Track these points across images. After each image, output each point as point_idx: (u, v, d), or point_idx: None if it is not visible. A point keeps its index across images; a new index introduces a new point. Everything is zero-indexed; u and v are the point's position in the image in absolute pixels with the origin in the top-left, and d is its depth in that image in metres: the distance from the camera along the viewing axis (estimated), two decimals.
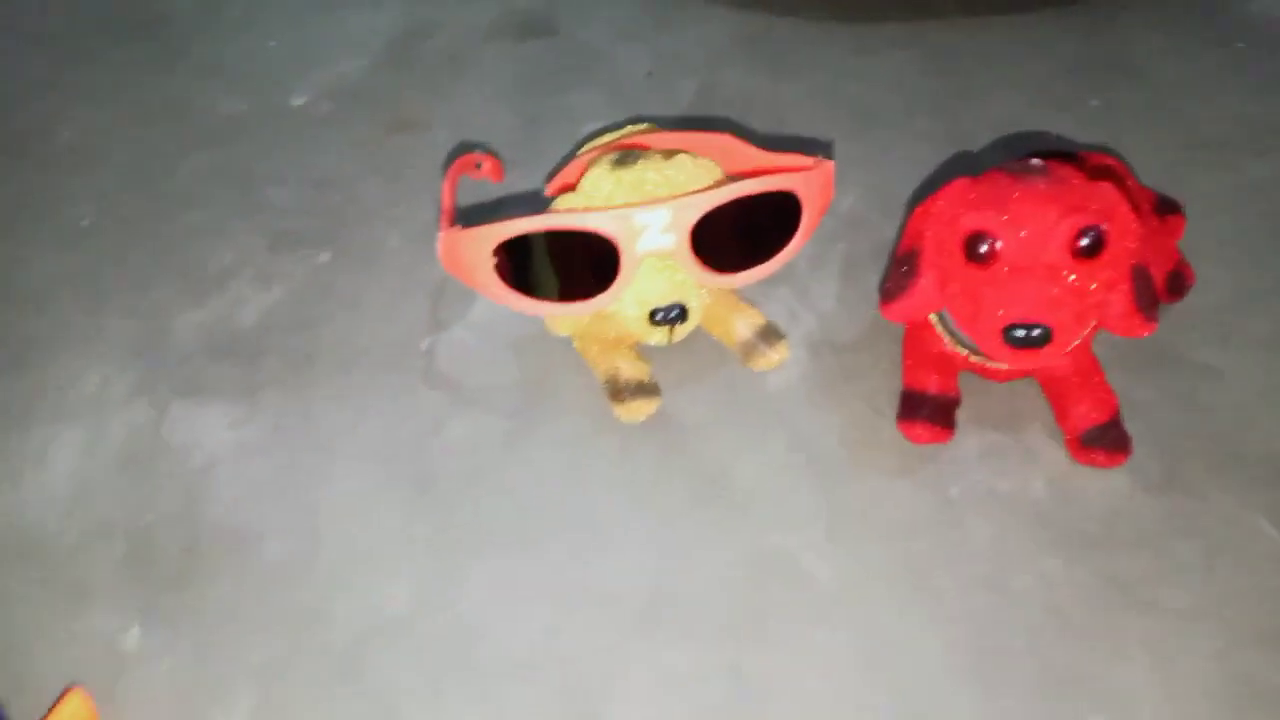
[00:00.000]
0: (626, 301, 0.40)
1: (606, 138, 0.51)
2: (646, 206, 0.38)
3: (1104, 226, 0.37)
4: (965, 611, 0.39)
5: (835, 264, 0.54)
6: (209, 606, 0.41)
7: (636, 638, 0.39)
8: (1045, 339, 0.36)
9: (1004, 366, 0.43)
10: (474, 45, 0.73)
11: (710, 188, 0.40)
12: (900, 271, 0.42)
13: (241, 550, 0.43)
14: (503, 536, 0.42)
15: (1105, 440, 0.43)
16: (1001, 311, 0.37)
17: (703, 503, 0.43)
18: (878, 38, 0.72)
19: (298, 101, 0.69)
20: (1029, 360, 0.38)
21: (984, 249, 0.38)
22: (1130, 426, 0.44)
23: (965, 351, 0.43)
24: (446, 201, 0.44)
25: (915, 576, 0.40)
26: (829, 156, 0.42)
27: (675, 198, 0.39)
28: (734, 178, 0.43)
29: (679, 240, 0.38)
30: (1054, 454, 0.44)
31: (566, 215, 0.38)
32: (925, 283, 0.41)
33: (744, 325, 0.48)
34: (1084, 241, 0.37)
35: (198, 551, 0.43)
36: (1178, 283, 0.48)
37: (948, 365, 0.44)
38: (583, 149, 0.52)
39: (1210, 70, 0.66)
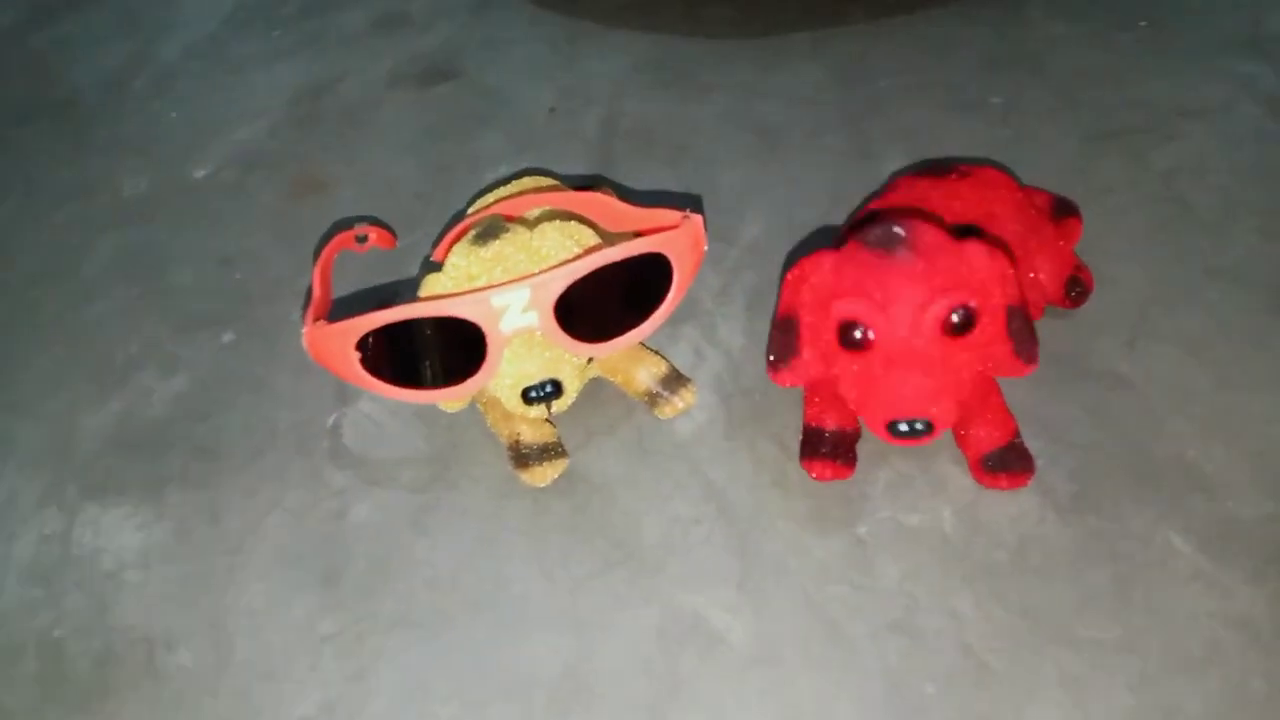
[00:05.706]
0: (500, 382, 0.39)
1: (497, 193, 0.51)
2: (504, 287, 0.37)
3: (974, 304, 0.37)
4: (878, 662, 0.38)
5: (742, 296, 0.53)
6: None
7: None
8: (928, 430, 0.37)
9: None
10: (376, 96, 0.72)
11: (577, 257, 0.39)
12: (781, 340, 0.42)
13: (153, 661, 0.42)
14: (411, 625, 0.42)
15: (1006, 463, 0.42)
16: (884, 407, 0.38)
17: (614, 566, 0.43)
18: (785, 51, 0.71)
19: (200, 173, 0.68)
20: (914, 445, 0.39)
21: (858, 336, 0.38)
22: (1039, 445, 0.44)
23: None
24: (317, 290, 0.43)
25: (826, 628, 0.39)
26: (698, 210, 0.41)
27: (536, 274, 0.38)
28: (609, 238, 0.42)
29: (543, 317, 0.38)
30: (961, 481, 0.43)
31: (425, 303, 0.37)
32: (808, 355, 0.41)
33: (646, 375, 0.47)
34: (955, 320, 0.37)
35: (109, 664, 0.42)
36: (1077, 288, 0.47)
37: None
38: (472, 207, 0.51)
39: (1114, 55, 0.66)
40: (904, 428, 0.37)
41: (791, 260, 0.54)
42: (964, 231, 0.43)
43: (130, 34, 0.84)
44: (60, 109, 0.77)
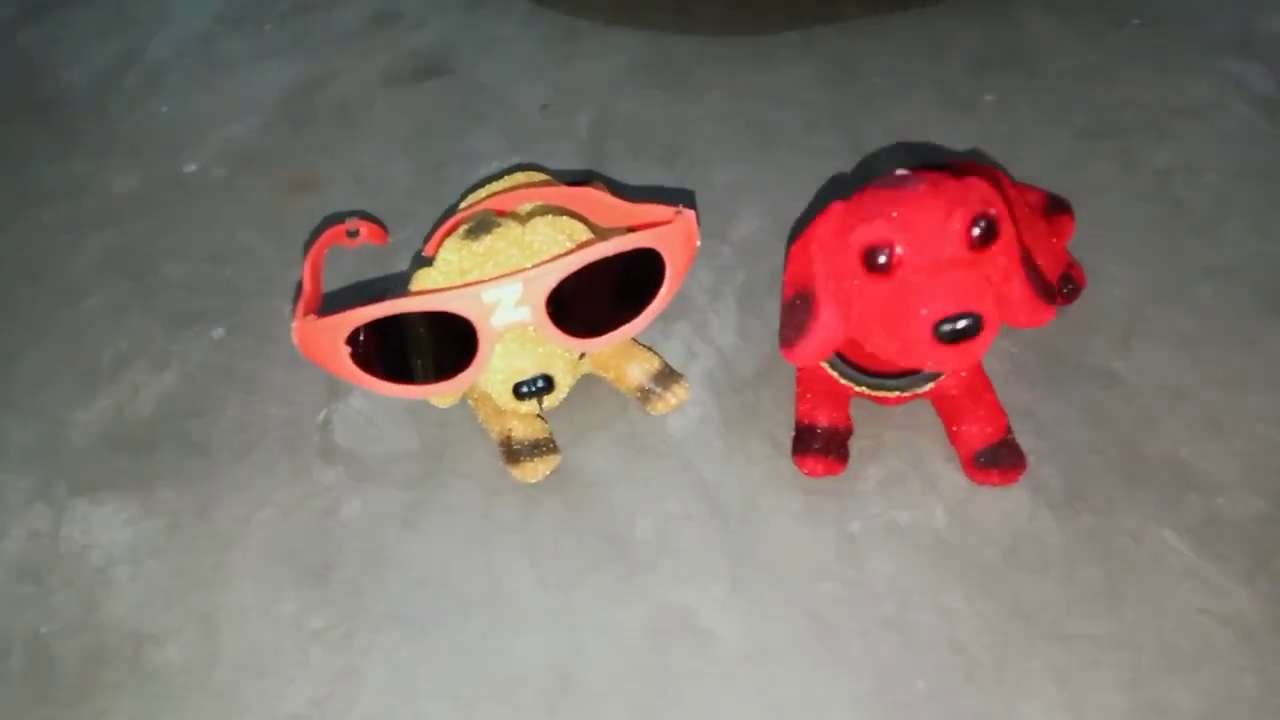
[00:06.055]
0: (491, 377, 0.39)
1: (490, 188, 0.50)
2: (496, 282, 0.36)
3: (993, 212, 0.36)
4: (869, 660, 0.38)
5: (733, 295, 0.53)
6: None
7: None
8: (977, 327, 0.34)
9: (894, 393, 0.42)
10: (368, 93, 0.72)
11: (569, 251, 0.39)
12: (795, 312, 0.40)
13: (141, 656, 0.42)
14: (401, 622, 0.41)
15: (998, 459, 0.42)
16: (925, 310, 0.35)
17: (604, 564, 0.42)
18: (779, 48, 0.71)
19: (191, 169, 0.67)
20: (962, 356, 0.36)
21: (884, 259, 0.36)
22: (1032, 442, 0.44)
23: (852, 384, 0.42)
24: (307, 285, 0.43)
25: (818, 625, 0.39)
26: (691, 206, 0.41)
27: (528, 268, 0.38)
28: (602, 233, 0.42)
29: (535, 311, 0.37)
30: (953, 477, 0.43)
31: (416, 298, 0.37)
32: (826, 317, 0.39)
33: (638, 371, 0.47)
34: (977, 230, 0.35)
35: (98, 660, 0.42)
36: (1069, 285, 0.47)
37: (838, 396, 0.44)
38: (464, 202, 0.51)
39: (1107, 54, 0.66)
40: (952, 327, 0.34)
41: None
42: None
43: (121, 31, 0.84)
44: (50, 106, 0.76)
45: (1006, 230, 0.37)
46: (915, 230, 0.35)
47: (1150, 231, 0.53)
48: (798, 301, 0.40)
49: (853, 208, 0.38)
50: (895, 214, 0.36)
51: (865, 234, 0.36)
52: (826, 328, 0.39)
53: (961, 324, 0.34)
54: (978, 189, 0.37)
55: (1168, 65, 0.64)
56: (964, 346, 0.35)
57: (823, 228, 0.39)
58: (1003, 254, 0.37)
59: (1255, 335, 0.47)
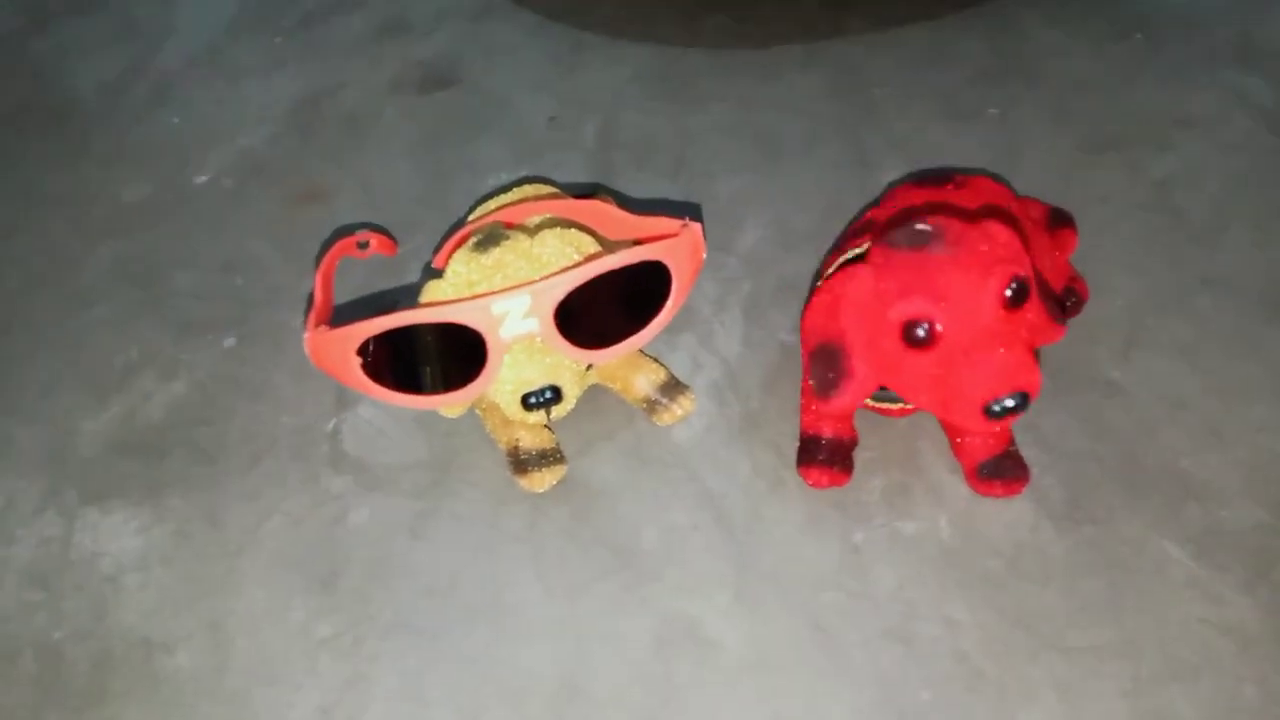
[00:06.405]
0: (500, 388, 0.39)
1: (498, 200, 0.51)
2: (504, 294, 0.37)
3: (1023, 273, 0.37)
4: (873, 669, 0.38)
5: (739, 306, 0.53)
6: None
7: None
8: (1024, 405, 0.36)
9: (897, 405, 0.43)
10: (376, 103, 0.73)
11: (576, 264, 0.40)
12: (826, 365, 0.40)
13: (151, 663, 0.42)
14: (408, 631, 0.42)
15: (1002, 470, 0.42)
16: (976, 392, 0.36)
17: (609, 574, 0.43)
18: (784, 60, 0.72)
19: (201, 180, 0.68)
20: (1009, 423, 0.37)
21: (922, 334, 0.36)
22: (1034, 453, 0.44)
23: None
24: (318, 296, 0.44)
25: (822, 635, 0.40)
26: (697, 218, 0.42)
27: (536, 281, 0.38)
28: (609, 246, 0.42)
29: (543, 323, 0.38)
30: (957, 489, 0.44)
31: (426, 309, 0.38)
32: (860, 376, 0.39)
33: (644, 382, 0.48)
34: (1010, 294, 0.36)
35: (108, 667, 0.43)
36: (1072, 298, 0.48)
37: None
38: (472, 214, 0.52)
39: (1110, 65, 0.66)
40: (1001, 408, 0.35)
41: (791, 273, 0.54)
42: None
43: (131, 41, 0.84)
44: (60, 115, 0.77)
45: (1033, 281, 0.38)
46: (952, 302, 0.36)
47: (1151, 241, 0.53)
48: (829, 355, 0.40)
49: (882, 275, 0.38)
50: (929, 287, 0.36)
51: (903, 310, 0.37)
52: (861, 385, 0.40)
53: (1010, 403, 0.35)
54: (1001, 239, 0.37)
55: (1169, 77, 0.65)
56: (1011, 419, 0.36)
57: (854, 293, 0.39)
58: (1033, 303, 0.38)
59: (1256, 345, 0.48)
